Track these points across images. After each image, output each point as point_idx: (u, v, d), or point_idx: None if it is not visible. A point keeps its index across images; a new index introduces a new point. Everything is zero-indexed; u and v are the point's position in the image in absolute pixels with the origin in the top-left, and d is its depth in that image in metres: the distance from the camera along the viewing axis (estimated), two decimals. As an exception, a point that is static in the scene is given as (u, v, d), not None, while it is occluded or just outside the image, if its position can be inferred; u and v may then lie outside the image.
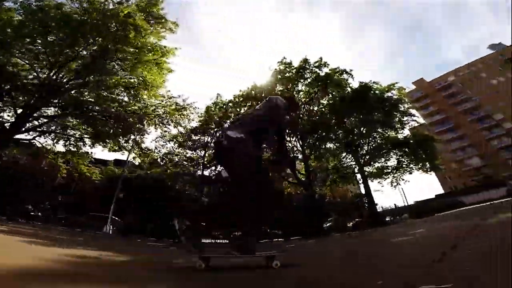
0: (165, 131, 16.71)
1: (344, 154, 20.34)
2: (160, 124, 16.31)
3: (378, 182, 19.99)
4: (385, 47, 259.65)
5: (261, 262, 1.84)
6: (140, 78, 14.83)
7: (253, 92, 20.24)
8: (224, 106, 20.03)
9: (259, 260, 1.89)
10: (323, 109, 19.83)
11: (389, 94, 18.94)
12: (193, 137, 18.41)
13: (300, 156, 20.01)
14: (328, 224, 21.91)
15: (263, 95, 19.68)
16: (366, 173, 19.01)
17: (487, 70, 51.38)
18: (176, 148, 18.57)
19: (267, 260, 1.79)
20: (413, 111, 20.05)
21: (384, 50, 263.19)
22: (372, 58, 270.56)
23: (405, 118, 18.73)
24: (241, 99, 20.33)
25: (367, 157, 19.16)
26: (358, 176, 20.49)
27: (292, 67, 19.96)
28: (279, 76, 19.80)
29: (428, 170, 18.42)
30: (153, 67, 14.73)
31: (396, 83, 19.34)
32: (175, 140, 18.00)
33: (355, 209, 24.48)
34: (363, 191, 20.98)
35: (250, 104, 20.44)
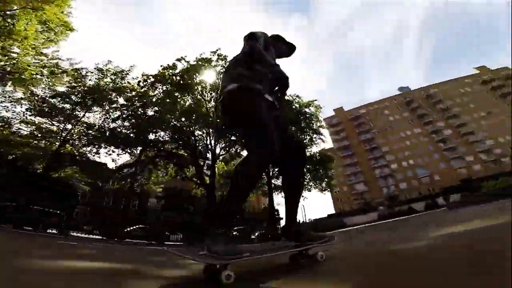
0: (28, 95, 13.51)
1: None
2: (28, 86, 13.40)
3: (282, 196, 20.16)
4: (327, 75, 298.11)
5: (298, 255, 1.54)
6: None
7: (167, 73, 17.13)
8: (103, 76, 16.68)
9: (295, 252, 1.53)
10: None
11: (307, 110, 19.33)
12: (53, 103, 14.24)
13: (209, 155, 18.22)
14: (234, 233, 21.24)
15: (177, 78, 17.02)
16: (272, 185, 18.82)
17: (390, 108, 63.73)
18: (29, 115, 13.73)
19: (307, 252, 1.52)
20: (324, 131, 21.11)
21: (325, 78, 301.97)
22: (315, 82, 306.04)
23: (314, 136, 19.27)
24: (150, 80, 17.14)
25: (276, 169, 19.00)
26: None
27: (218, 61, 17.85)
28: (204, 64, 17.40)
29: (323, 189, 19.77)
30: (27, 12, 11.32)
31: (315, 100, 19.63)
32: (27, 103, 13.32)
33: (264, 221, 24.56)
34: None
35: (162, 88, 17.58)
